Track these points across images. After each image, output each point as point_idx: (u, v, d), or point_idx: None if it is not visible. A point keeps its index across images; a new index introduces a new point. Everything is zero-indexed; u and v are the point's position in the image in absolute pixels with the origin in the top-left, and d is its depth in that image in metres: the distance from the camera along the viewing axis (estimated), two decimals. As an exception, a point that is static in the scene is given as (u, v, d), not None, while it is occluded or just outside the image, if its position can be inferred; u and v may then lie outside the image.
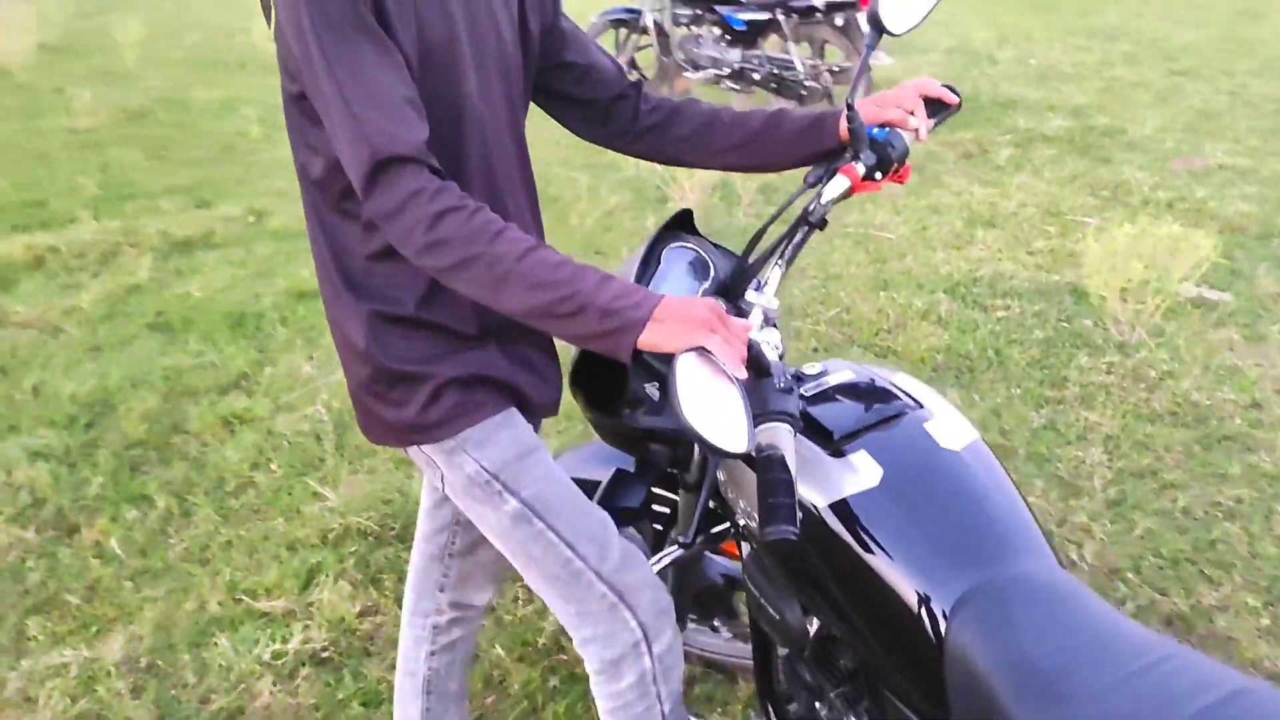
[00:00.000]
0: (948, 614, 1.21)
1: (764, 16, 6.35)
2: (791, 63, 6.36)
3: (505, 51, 1.39)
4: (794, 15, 6.28)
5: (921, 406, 1.38)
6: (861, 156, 1.51)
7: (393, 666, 2.11)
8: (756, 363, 1.28)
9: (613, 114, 1.58)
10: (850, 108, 1.51)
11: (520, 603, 2.45)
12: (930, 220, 4.94)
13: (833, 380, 1.44)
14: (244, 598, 2.48)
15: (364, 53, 1.19)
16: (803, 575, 1.38)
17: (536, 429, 1.57)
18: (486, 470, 1.41)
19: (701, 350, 1.14)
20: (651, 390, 1.53)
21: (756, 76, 6.48)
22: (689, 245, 1.57)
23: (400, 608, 1.87)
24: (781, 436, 1.21)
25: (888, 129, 1.54)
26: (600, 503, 1.65)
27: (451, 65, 1.30)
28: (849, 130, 1.51)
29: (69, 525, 2.76)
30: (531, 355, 1.47)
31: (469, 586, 1.70)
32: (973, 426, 1.39)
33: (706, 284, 1.54)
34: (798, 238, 1.51)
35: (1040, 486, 2.88)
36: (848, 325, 3.81)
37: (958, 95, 1.59)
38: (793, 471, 1.18)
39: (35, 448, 3.07)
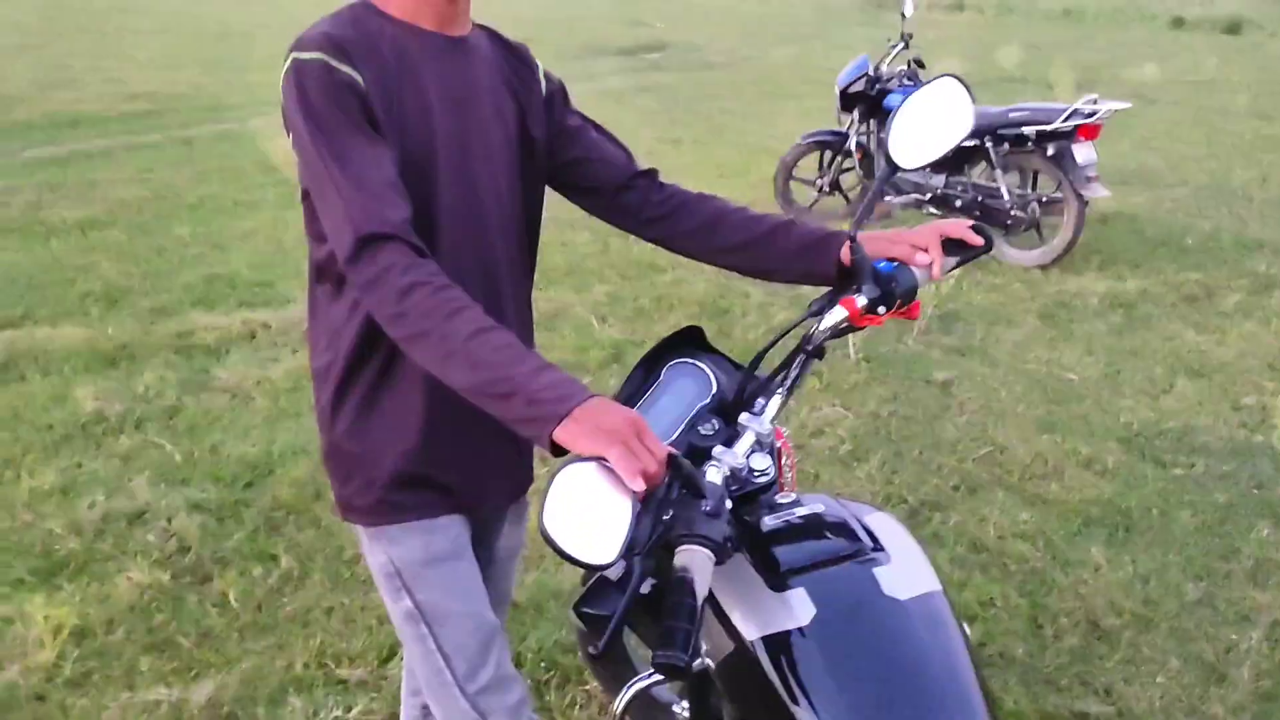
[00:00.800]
0: None
1: (971, 143, 6.24)
2: (998, 190, 6.20)
3: (498, 153, 1.51)
4: (1004, 144, 6.14)
5: (881, 550, 1.31)
6: (864, 289, 1.49)
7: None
8: (689, 483, 1.27)
9: (620, 204, 1.65)
10: (853, 239, 1.50)
11: (570, 709, 2.44)
12: (1126, 364, 4.64)
13: (800, 513, 1.39)
14: (329, 663, 2.60)
15: (353, 147, 1.31)
16: (741, 709, 1.33)
17: (504, 506, 1.69)
18: (393, 564, 1.52)
19: (601, 461, 1.14)
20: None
21: (959, 203, 6.35)
22: (693, 361, 1.58)
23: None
24: (697, 561, 1.19)
25: (895, 263, 1.51)
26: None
27: (428, 173, 1.40)
28: (852, 260, 1.50)
29: (203, 574, 3.00)
30: (491, 449, 1.52)
31: None
32: (935, 578, 1.31)
33: (706, 401, 1.54)
34: (795, 365, 1.50)
35: (1175, 666, 2.60)
36: (998, 466, 3.61)
37: (988, 238, 1.55)
38: (699, 598, 1.15)
39: (196, 500, 3.37)
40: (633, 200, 1.65)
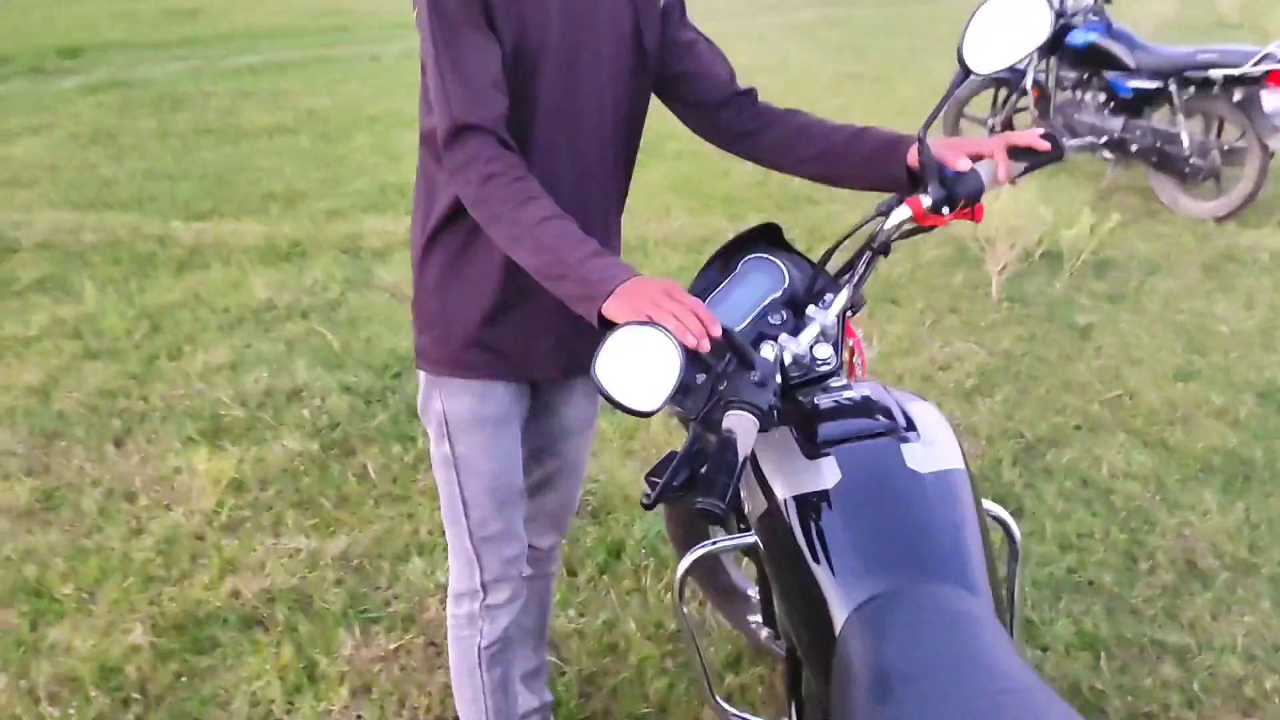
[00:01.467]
0: (846, 615, 1.24)
1: (1154, 85, 5.93)
2: (1177, 136, 5.88)
3: (607, 61, 1.57)
4: (1189, 87, 5.81)
5: (913, 430, 1.39)
6: (929, 189, 1.54)
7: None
8: (741, 355, 1.38)
9: (716, 120, 1.73)
10: (921, 140, 1.54)
11: (664, 593, 2.59)
12: (1292, 319, 4.40)
13: (847, 395, 1.48)
14: (448, 533, 2.83)
15: (465, 40, 1.44)
16: (773, 564, 1.44)
17: (564, 379, 1.78)
18: (445, 414, 1.68)
19: (653, 324, 1.26)
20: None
21: (1135, 148, 6.06)
22: (768, 256, 1.67)
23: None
24: (742, 424, 1.30)
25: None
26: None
27: (536, 69, 1.50)
28: (919, 162, 1.55)
29: (348, 448, 3.29)
30: (553, 324, 1.64)
31: (531, 529, 1.89)
32: (960, 459, 1.37)
33: (777, 294, 1.63)
34: (862, 262, 1.58)
35: (1266, 608, 2.55)
36: (1124, 409, 3.53)
37: (1057, 144, 1.57)
38: (740, 455, 1.27)
39: (348, 383, 3.67)
40: (728, 118, 1.73)
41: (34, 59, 9.42)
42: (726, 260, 1.71)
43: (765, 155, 1.74)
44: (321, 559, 2.73)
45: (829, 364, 1.55)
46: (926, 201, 1.55)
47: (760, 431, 1.36)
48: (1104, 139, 6.25)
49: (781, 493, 1.40)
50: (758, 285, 1.65)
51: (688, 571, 1.71)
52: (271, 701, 2.27)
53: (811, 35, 12.89)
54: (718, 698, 1.77)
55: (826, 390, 1.53)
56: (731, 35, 12.27)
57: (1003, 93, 6.81)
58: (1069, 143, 6.40)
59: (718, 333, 1.34)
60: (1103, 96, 6.30)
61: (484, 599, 1.78)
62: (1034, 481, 3.10)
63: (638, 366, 1.27)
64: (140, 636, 2.44)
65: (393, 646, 2.42)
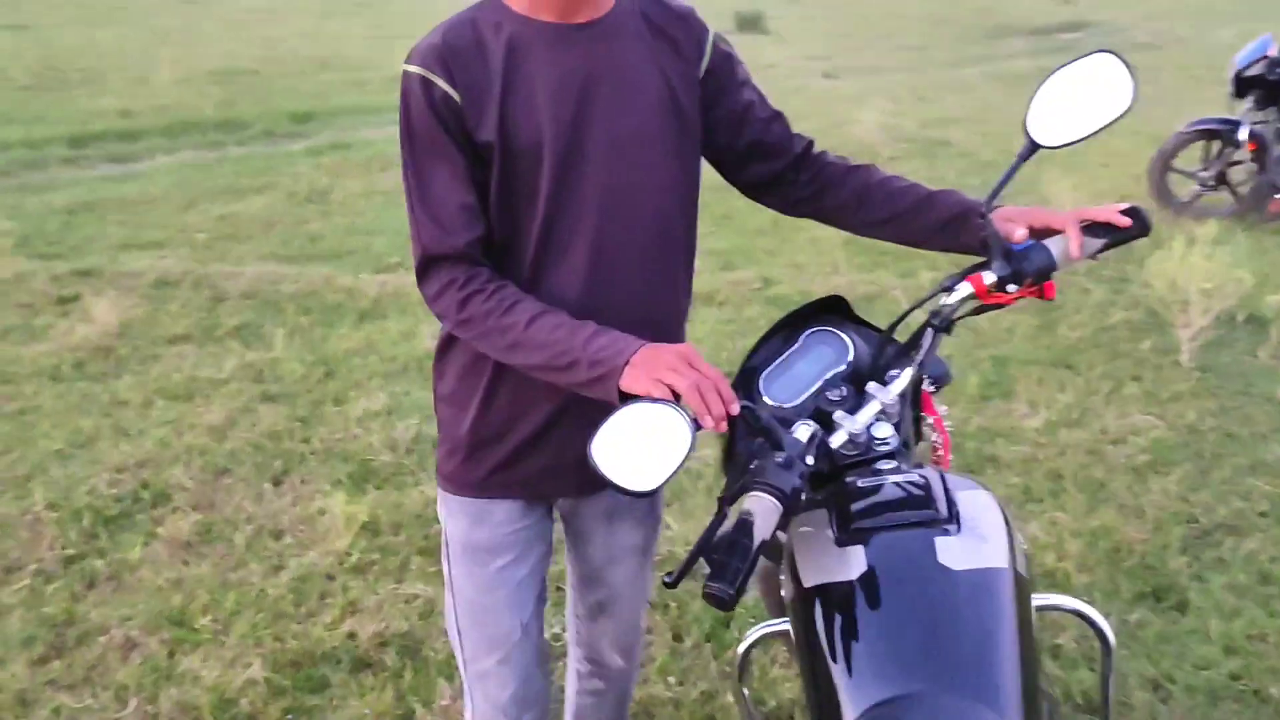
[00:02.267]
0: (855, 718, 1.14)
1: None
2: None
3: (634, 142, 1.47)
4: None
5: (953, 522, 1.27)
6: (993, 265, 1.45)
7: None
8: (767, 434, 1.32)
9: (778, 187, 1.66)
10: (983, 215, 1.45)
11: (771, 666, 2.48)
12: None
13: (894, 479, 1.37)
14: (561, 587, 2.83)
15: (435, 171, 1.42)
16: (799, 651, 1.34)
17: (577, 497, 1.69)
18: (445, 530, 1.67)
19: (666, 401, 1.23)
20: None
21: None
22: (834, 330, 1.60)
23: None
24: (762, 506, 1.25)
25: (1031, 240, 1.45)
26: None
27: (538, 166, 1.43)
28: (982, 237, 1.45)
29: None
30: (555, 435, 1.55)
31: (597, 649, 1.85)
32: (1005, 558, 1.24)
33: (840, 369, 1.56)
34: (925, 339, 1.49)
35: None
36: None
37: (1141, 219, 1.44)
38: (756, 540, 1.21)
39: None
40: (788, 184, 1.65)
41: (270, 123, 10.28)
42: (791, 331, 1.64)
43: (826, 218, 1.67)
44: (437, 607, 2.77)
45: (888, 444, 1.46)
46: (990, 278, 1.47)
47: (788, 515, 1.29)
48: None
49: (808, 580, 1.32)
50: (819, 359, 1.59)
51: (750, 649, 1.63)
52: (366, 745, 2.32)
53: (1020, 84, 12.36)
54: None
55: (875, 473, 1.43)
56: (934, 86, 12.02)
57: (1215, 145, 6.32)
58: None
59: (735, 410, 1.30)
60: (1328, 147, 5.74)
61: None
62: (1203, 573, 2.80)
63: (644, 443, 1.24)
64: (258, 671, 2.54)
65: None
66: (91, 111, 10.68)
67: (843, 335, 1.60)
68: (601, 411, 1.50)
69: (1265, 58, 6.00)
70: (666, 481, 1.23)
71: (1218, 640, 2.53)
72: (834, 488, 1.43)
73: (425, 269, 1.45)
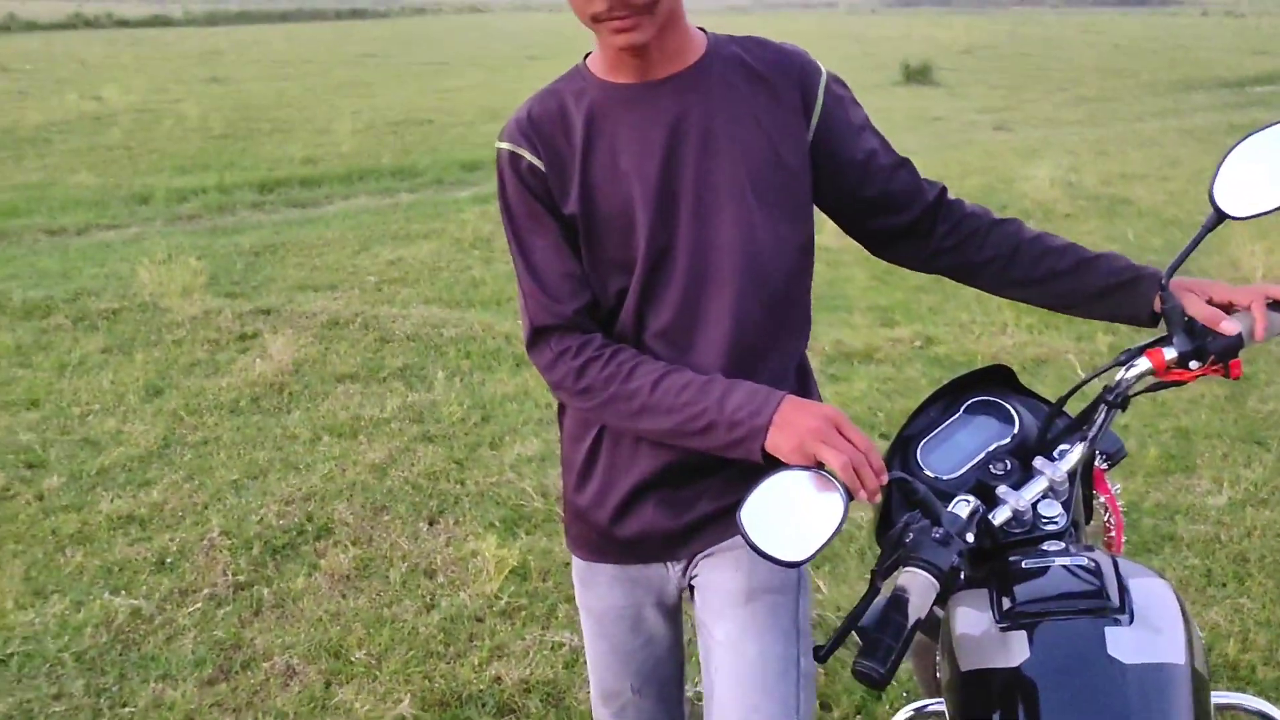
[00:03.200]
0: None
1: None
2: None
3: (729, 196, 1.40)
4: None
5: (1125, 612, 1.19)
6: (1175, 341, 1.37)
7: None
8: (925, 508, 1.28)
9: (904, 243, 1.57)
10: (1164, 287, 1.37)
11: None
12: None
13: (1061, 562, 1.30)
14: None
15: (535, 241, 1.43)
16: None
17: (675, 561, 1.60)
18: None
19: (819, 470, 1.20)
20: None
21: None
22: (999, 400, 1.54)
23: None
24: (918, 583, 1.21)
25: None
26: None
27: (630, 229, 1.41)
28: (1163, 310, 1.38)
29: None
30: (648, 495, 1.52)
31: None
32: (1182, 653, 1.15)
33: (1005, 441, 1.50)
34: (1100, 417, 1.42)
35: None
36: None
37: None
38: (910, 618, 1.17)
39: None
40: (917, 239, 1.56)
41: (440, 172, 10.73)
42: (952, 400, 1.59)
43: (966, 276, 1.57)
44: (582, 656, 2.77)
45: (1056, 524, 1.39)
46: (1171, 354, 1.39)
47: (945, 593, 1.24)
48: None
49: (965, 663, 1.25)
50: (983, 429, 1.53)
51: None
52: (506, 793, 2.33)
53: (1207, 140, 11.82)
54: None
55: (1041, 554, 1.36)
56: (1115, 140, 11.58)
57: None
58: None
59: (884, 480, 1.26)
60: None
61: None
62: None
63: (793, 512, 1.22)
64: (408, 708, 2.60)
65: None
66: (278, 159, 11.40)
67: (1008, 406, 1.54)
68: (698, 479, 1.48)
69: None
70: (817, 554, 1.20)
71: None
72: (996, 567, 1.37)
73: (535, 340, 1.45)
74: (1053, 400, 1.57)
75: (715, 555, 1.54)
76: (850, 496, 1.23)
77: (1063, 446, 1.45)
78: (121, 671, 2.80)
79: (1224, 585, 2.97)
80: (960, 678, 1.26)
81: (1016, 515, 1.39)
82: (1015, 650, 1.19)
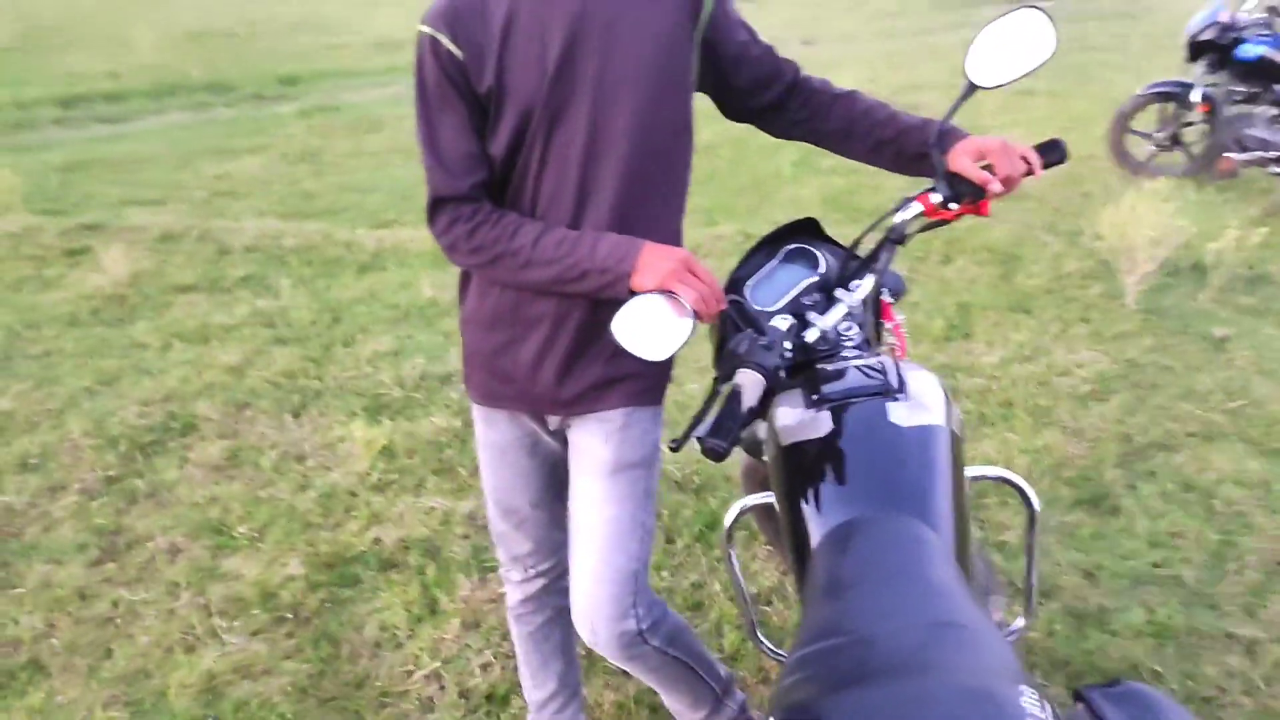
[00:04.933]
0: (820, 538, 1.46)
1: (1331, 98, 5.71)
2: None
3: (632, 79, 1.60)
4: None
5: (902, 392, 1.58)
6: (939, 188, 1.74)
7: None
8: (752, 322, 1.63)
9: (771, 115, 1.87)
10: (930, 146, 1.74)
11: (750, 561, 2.81)
12: None
13: (856, 362, 1.68)
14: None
15: (443, 122, 1.60)
16: (779, 500, 1.66)
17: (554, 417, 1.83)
18: (475, 431, 1.93)
19: (671, 294, 1.53)
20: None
21: (1309, 164, 5.83)
22: (809, 246, 1.90)
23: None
24: (750, 380, 1.56)
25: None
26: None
27: (545, 113, 1.59)
28: (932, 164, 1.74)
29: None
30: (544, 357, 1.74)
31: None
32: (942, 418, 1.55)
33: (814, 278, 1.86)
34: (883, 252, 1.79)
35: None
36: (1245, 419, 3.50)
37: (1059, 149, 1.73)
38: (746, 406, 1.53)
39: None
40: (778, 112, 1.86)
41: (258, 86, 10.46)
42: (771, 249, 1.95)
43: (818, 142, 1.87)
44: (453, 517, 3.08)
45: (853, 340, 1.79)
46: (936, 198, 1.75)
47: (771, 389, 1.60)
48: (1274, 154, 6.04)
49: (785, 440, 1.63)
50: (796, 270, 1.90)
51: (735, 522, 1.95)
52: (396, 628, 2.63)
53: (991, 53, 12.68)
54: (758, 634, 1.99)
55: (842, 360, 1.74)
56: (908, 53, 12.29)
57: (1170, 107, 6.66)
58: (1237, 156, 6.22)
59: (724, 305, 1.60)
60: (1274, 111, 6.09)
61: (502, 571, 2.04)
62: (1135, 483, 3.15)
63: (653, 326, 1.54)
64: (297, 569, 2.85)
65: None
66: (78, 74, 10.81)
67: (816, 251, 1.92)
68: (582, 342, 1.74)
69: (1216, 23, 6.32)
70: (673, 352, 1.53)
71: (1143, 537, 2.87)
72: (808, 373, 1.74)
73: (435, 209, 1.63)
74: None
75: (590, 419, 1.78)
76: (697, 315, 1.57)
77: (856, 281, 1.83)
78: (3, 560, 2.93)
79: (994, 424, 3.52)
80: (782, 453, 1.63)
81: (824, 335, 1.77)
82: (821, 425, 1.57)
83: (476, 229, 1.63)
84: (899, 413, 1.57)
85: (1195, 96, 6.41)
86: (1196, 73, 6.47)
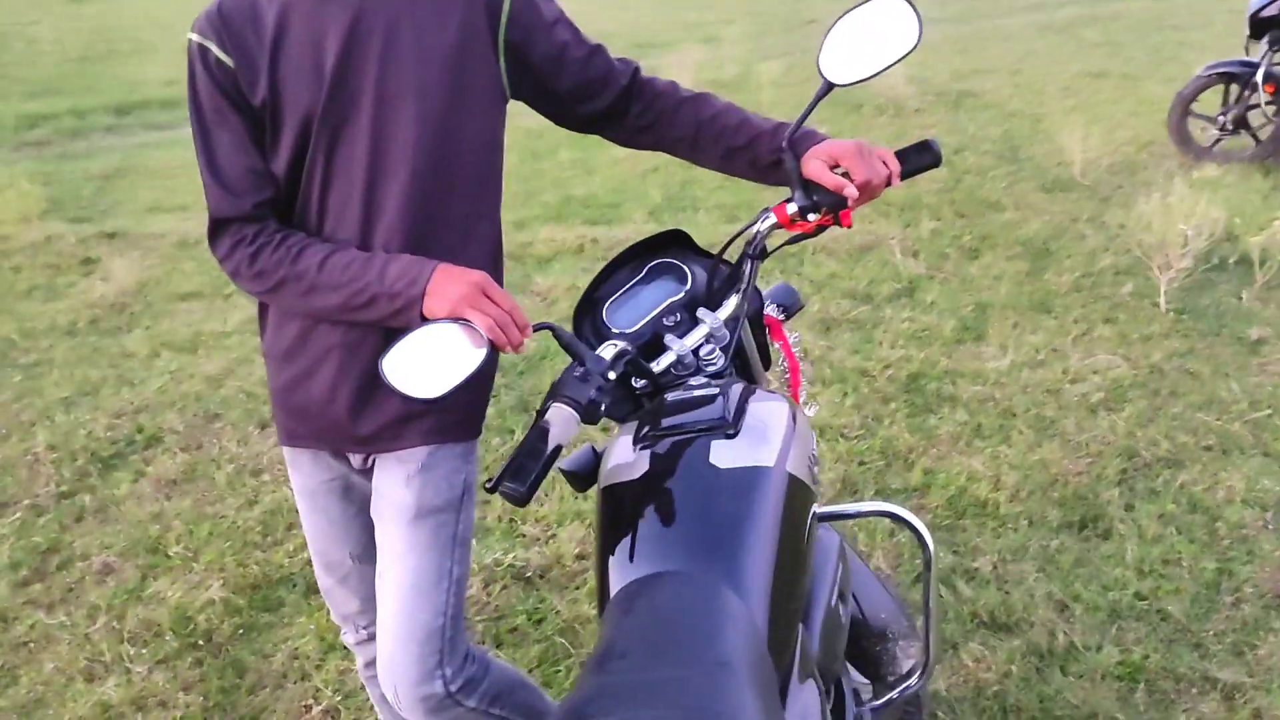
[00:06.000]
0: (614, 594, 1.26)
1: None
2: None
3: (421, 91, 1.46)
4: None
5: (736, 429, 1.37)
6: (795, 197, 1.55)
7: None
8: (569, 350, 1.45)
9: (604, 124, 1.68)
10: (784, 149, 1.53)
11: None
12: None
13: (698, 392, 1.48)
14: (515, 520, 2.98)
15: (218, 137, 1.46)
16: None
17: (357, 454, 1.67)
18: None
19: (460, 322, 1.36)
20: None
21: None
22: (676, 261, 1.70)
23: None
24: (561, 415, 1.37)
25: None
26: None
27: (323, 124, 1.45)
28: (787, 170, 1.53)
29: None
30: (337, 393, 1.57)
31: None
32: (773, 458, 1.34)
33: (679, 296, 1.66)
34: (746, 269, 1.61)
35: None
36: (1269, 431, 3.14)
37: (931, 151, 1.52)
38: (550, 445, 1.34)
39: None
40: (617, 119, 1.66)
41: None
42: (637, 264, 1.74)
43: (667, 150, 1.70)
44: (392, 536, 2.93)
45: (714, 365, 1.59)
46: (792, 209, 1.56)
47: (588, 424, 1.41)
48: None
49: (603, 481, 1.43)
50: (660, 288, 1.69)
51: None
52: (307, 657, 2.50)
53: (1067, 33, 12.12)
54: None
55: (686, 388, 1.53)
56: (978, 37, 11.82)
57: (1234, 89, 6.19)
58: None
59: (529, 335, 1.41)
60: (1347, 89, 5.61)
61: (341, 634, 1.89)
62: (1134, 503, 2.84)
63: (437, 359, 1.36)
64: (218, 592, 2.73)
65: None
66: (139, 81, 11.03)
67: (684, 266, 1.70)
68: (376, 374, 1.47)
69: (1281, -2, 5.86)
70: (451, 391, 1.34)
71: (1132, 564, 2.58)
72: (654, 404, 1.54)
73: (215, 232, 1.49)
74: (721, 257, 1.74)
75: (389, 459, 1.61)
76: (496, 349, 1.38)
77: (723, 299, 1.63)
78: (-65, 580, 2.88)
79: (989, 437, 3.24)
80: (600, 494, 1.43)
81: (680, 359, 1.57)
82: (638, 466, 1.36)
83: (259, 252, 1.48)
84: (722, 452, 1.35)
85: (1259, 77, 5.96)
86: (1260, 51, 6.00)
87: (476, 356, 1.34)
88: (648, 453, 1.38)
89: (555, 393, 1.40)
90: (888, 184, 1.51)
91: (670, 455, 1.37)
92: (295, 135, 1.46)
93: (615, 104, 1.65)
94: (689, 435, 1.38)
